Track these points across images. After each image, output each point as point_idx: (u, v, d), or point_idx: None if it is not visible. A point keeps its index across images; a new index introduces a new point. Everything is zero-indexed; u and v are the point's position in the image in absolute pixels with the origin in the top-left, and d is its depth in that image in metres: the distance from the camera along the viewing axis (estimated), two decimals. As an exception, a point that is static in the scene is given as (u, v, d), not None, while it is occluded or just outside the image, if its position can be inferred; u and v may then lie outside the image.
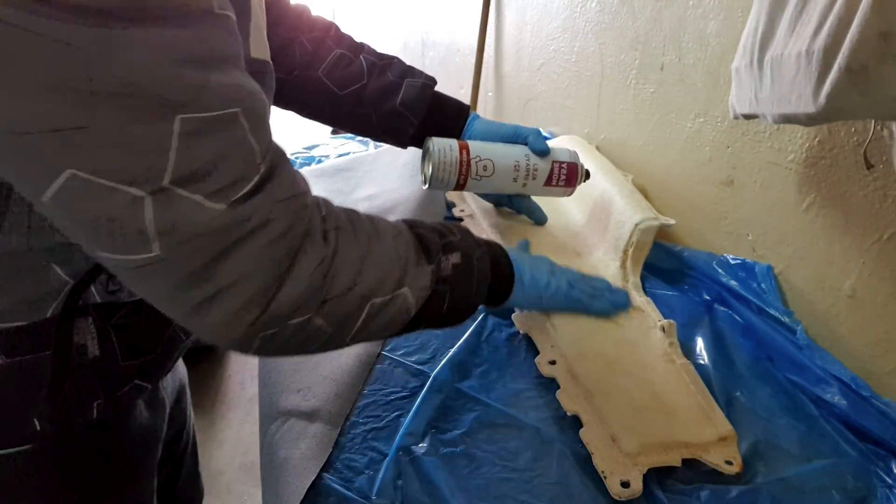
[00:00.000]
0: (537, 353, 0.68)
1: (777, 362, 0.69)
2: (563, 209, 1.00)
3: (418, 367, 0.65)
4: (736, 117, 0.67)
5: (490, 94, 1.79)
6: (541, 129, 1.33)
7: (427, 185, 0.72)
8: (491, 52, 1.73)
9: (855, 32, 0.42)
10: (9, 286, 0.41)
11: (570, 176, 0.70)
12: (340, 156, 1.19)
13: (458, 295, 0.50)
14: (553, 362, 0.65)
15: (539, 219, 0.88)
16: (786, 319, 0.71)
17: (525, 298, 0.59)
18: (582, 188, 0.99)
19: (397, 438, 0.56)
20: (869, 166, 0.60)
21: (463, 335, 0.70)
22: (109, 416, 0.51)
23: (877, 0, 0.41)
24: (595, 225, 0.91)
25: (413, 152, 1.09)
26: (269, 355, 0.42)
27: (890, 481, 0.55)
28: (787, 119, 0.56)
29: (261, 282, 0.36)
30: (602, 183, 0.93)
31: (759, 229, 0.80)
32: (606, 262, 0.84)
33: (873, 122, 0.59)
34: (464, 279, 0.50)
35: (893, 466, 0.56)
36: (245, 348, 0.39)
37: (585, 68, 1.21)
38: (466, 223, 0.93)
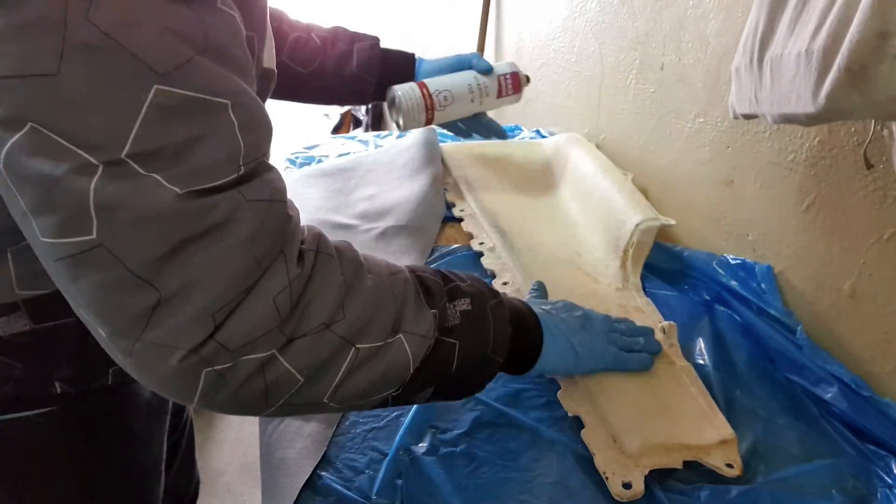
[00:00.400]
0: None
1: (777, 362, 0.69)
2: (562, 208, 1.00)
3: (418, 367, 0.65)
4: (736, 117, 0.67)
5: (490, 94, 1.79)
6: (540, 129, 1.33)
7: (402, 128, 0.77)
8: (491, 52, 1.73)
9: (854, 32, 0.42)
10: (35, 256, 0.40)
11: (515, 84, 0.76)
12: (340, 156, 1.19)
13: (470, 349, 0.43)
14: None
15: (499, 131, 0.95)
16: (786, 319, 0.71)
17: (558, 359, 0.52)
18: (581, 187, 0.99)
19: (397, 438, 0.56)
20: (869, 166, 0.60)
21: (463, 335, 0.70)
22: (122, 382, 0.52)
23: (876, 0, 0.41)
24: (595, 225, 0.91)
25: (413, 152, 1.09)
26: (221, 408, 0.33)
27: (890, 481, 0.55)
28: (787, 119, 0.56)
29: (213, 294, 0.29)
30: (602, 182, 0.93)
31: (759, 229, 0.80)
32: (606, 262, 0.85)
33: (873, 122, 0.59)
34: (476, 330, 0.44)
35: (893, 466, 0.56)
36: (186, 389, 0.31)
37: (585, 68, 1.21)
38: (466, 223, 0.93)
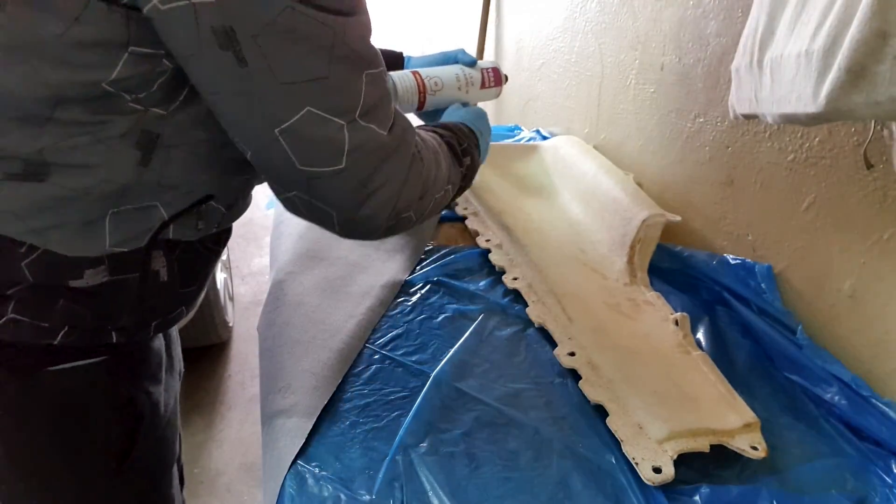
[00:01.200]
0: (539, 352, 0.69)
1: (777, 362, 0.69)
2: (564, 207, 1.00)
3: (418, 367, 0.65)
4: (736, 117, 0.67)
5: (490, 94, 1.79)
6: (540, 129, 1.33)
7: None
8: (491, 52, 1.73)
9: (854, 33, 0.42)
10: (130, 220, 0.49)
11: (496, 78, 0.84)
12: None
13: (469, 183, 0.66)
14: (572, 353, 0.66)
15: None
16: (786, 319, 0.71)
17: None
18: (583, 186, 0.99)
19: (397, 438, 0.56)
20: (869, 166, 0.60)
21: (463, 335, 0.70)
22: (154, 336, 0.60)
23: (876, 0, 0.41)
24: (599, 222, 0.91)
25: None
26: (390, 234, 0.53)
27: (890, 481, 0.55)
28: (787, 119, 0.56)
29: (397, 184, 0.48)
30: (605, 181, 0.93)
31: (759, 229, 0.80)
32: (612, 259, 0.85)
33: (873, 122, 0.59)
34: (471, 173, 0.65)
35: (893, 466, 0.56)
36: (379, 230, 0.50)
37: (585, 68, 1.21)
38: (471, 221, 0.93)
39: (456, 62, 0.83)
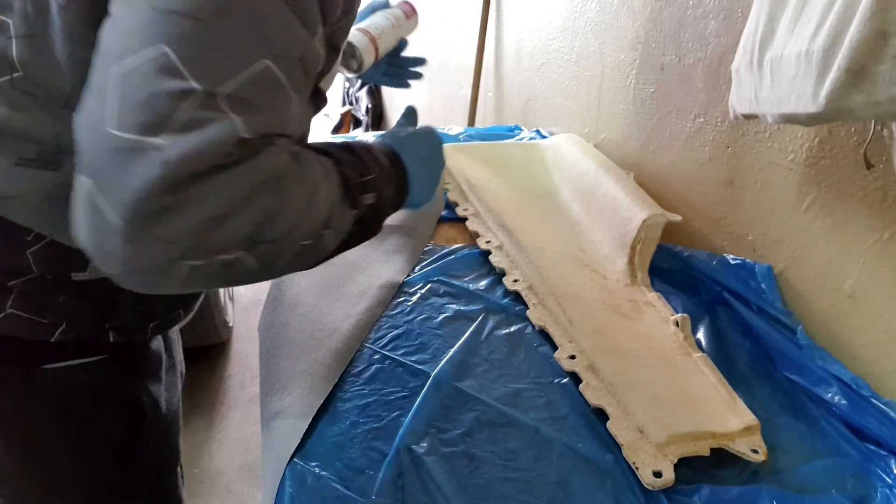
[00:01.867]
0: (539, 352, 0.68)
1: (777, 362, 0.69)
2: (564, 207, 1.00)
3: (418, 367, 0.65)
4: (736, 117, 0.67)
5: (490, 94, 1.79)
6: (540, 129, 1.33)
7: (361, 69, 0.82)
8: (491, 52, 1.73)
9: (854, 33, 0.42)
10: None
11: (411, 8, 0.89)
12: (340, 156, 1.20)
13: (368, 231, 0.52)
14: (573, 357, 0.66)
15: (414, 61, 0.93)
16: (786, 319, 0.71)
17: (413, 205, 0.61)
18: (583, 186, 0.99)
19: (397, 438, 0.56)
20: (869, 166, 0.60)
21: (463, 335, 0.70)
22: (152, 337, 0.59)
23: (876, 0, 0.41)
24: (599, 222, 0.91)
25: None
26: (195, 286, 0.39)
27: (890, 481, 0.55)
28: (787, 119, 0.56)
29: (222, 208, 0.35)
30: (605, 181, 0.93)
31: (759, 229, 0.80)
32: (613, 259, 0.85)
33: (873, 122, 0.59)
34: (375, 218, 0.52)
35: (893, 466, 0.56)
36: (173, 271, 0.36)
37: (585, 68, 1.21)
38: (471, 222, 0.93)
39: (373, 11, 0.86)
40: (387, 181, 0.53)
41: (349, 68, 0.82)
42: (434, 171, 0.63)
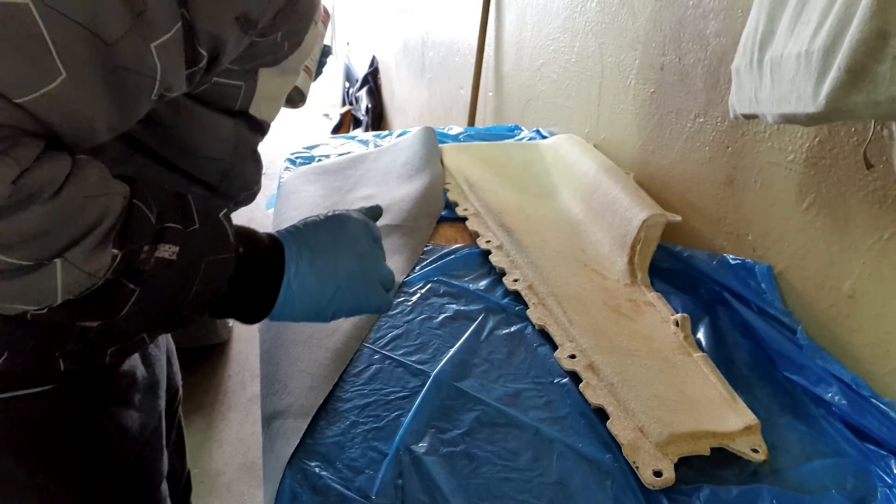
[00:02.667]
0: (539, 352, 0.68)
1: (777, 362, 0.69)
2: (564, 206, 1.00)
3: (418, 367, 0.65)
4: (736, 117, 0.67)
5: (490, 94, 1.79)
6: (540, 129, 1.33)
7: (303, 100, 0.71)
8: (491, 52, 1.73)
9: (854, 33, 0.42)
10: None
11: (326, 13, 0.69)
12: (341, 155, 1.19)
13: (153, 302, 0.40)
14: (573, 356, 0.66)
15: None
16: (786, 319, 0.71)
17: (297, 314, 0.48)
18: (583, 186, 0.99)
19: (397, 438, 0.56)
20: (869, 166, 0.60)
21: (463, 335, 0.70)
22: (118, 361, 0.55)
23: (876, 0, 0.41)
24: (599, 222, 0.91)
25: (413, 152, 1.09)
26: None
27: (890, 481, 0.55)
28: (787, 119, 0.56)
29: None
30: (605, 181, 0.93)
31: (759, 229, 0.80)
32: (613, 259, 0.85)
33: (873, 122, 0.59)
34: (170, 283, 0.39)
35: (893, 466, 0.56)
36: None
37: (585, 68, 1.21)
38: (471, 222, 0.93)
39: None
40: (216, 247, 0.41)
41: (294, 105, 0.73)
42: (353, 273, 0.48)
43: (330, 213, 0.51)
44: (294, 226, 0.49)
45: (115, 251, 0.36)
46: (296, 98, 0.70)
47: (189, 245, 0.40)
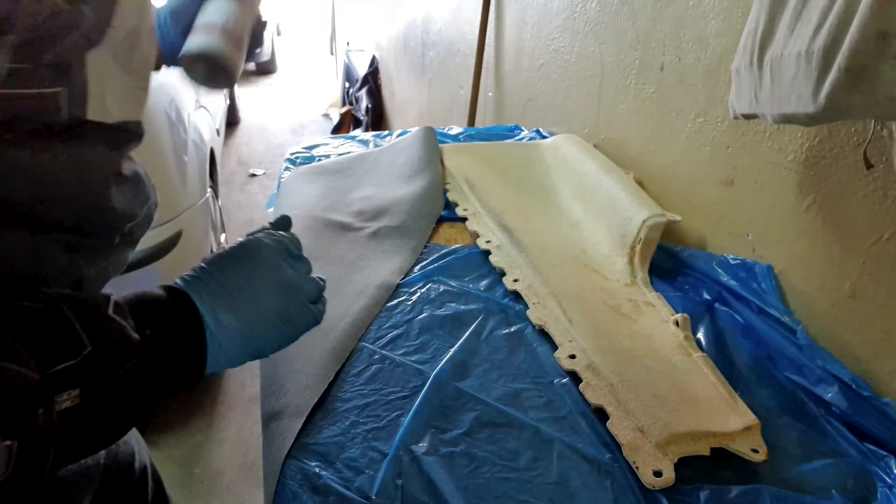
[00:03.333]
0: (539, 352, 0.68)
1: (777, 362, 0.69)
2: (564, 207, 1.00)
3: (418, 367, 0.65)
4: (736, 117, 0.67)
5: (490, 94, 1.79)
6: (540, 129, 1.33)
7: (233, 81, 0.60)
8: (491, 52, 1.73)
9: (854, 32, 0.42)
10: None
11: None
12: (341, 155, 1.19)
13: (76, 447, 0.34)
14: (573, 356, 0.66)
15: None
16: (786, 319, 0.71)
17: (233, 362, 0.43)
18: (583, 186, 0.99)
19: (397, 438, 0.56)
20: (869, 166, 0.60)
21: (463, 335, 0.70)
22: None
23: (876, 0, 0.41)
24: (600, 222, 0.91)
25: (413, 152, 1.09)
26: None
27: (890, 481, 0.55)
28: (787, 119, 0.56)
29: None
30: (605, 181, 0.93)
31: (759, 229, 0.80)
32: (613, 259, 0.85)
33: (873, 122, 0.59)
34: (87, 425, 0.34)
35: (893, 466, 0.56)
36: None
37: (585, 68, 1.21)
38: (471, 222, 0.93)
39: None
40: (120, 356, 0.34)
41: (216, 84, 0.58)
42: (280, 309, 0.43)
43: (237, 245, 0.45)
44: (200, 269, 0.42)
45: (5, 443, 0.29)
46: (218, 79, 0.56)
47: (89, 375, 0.33)
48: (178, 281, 0.41)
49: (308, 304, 0.47)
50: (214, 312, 0.40)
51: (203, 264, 0.43)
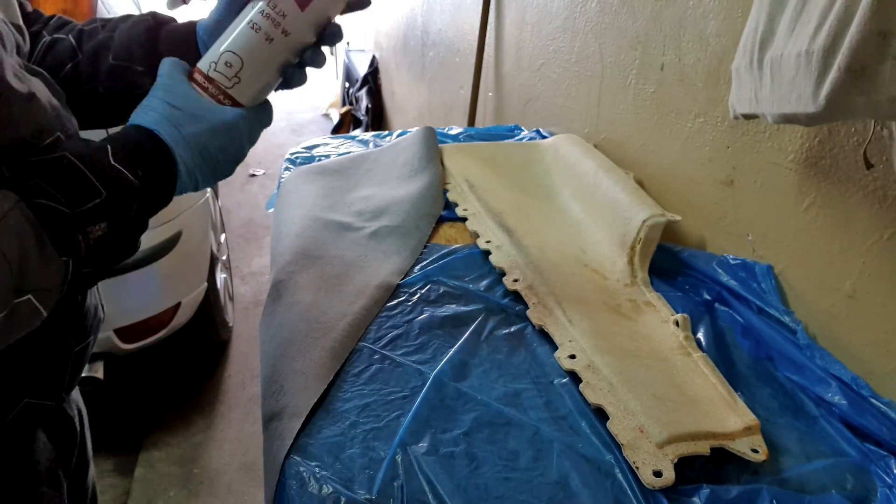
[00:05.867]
0: (539, 352, 0.68)
1: (777, 362, 0.69)
2: (564, 206, 1.00)
3: (418, 367, 0.65)
4: (736, 117, 0.67)
5: (490, 94, 1.79)
6: (540, 129, 1.33)
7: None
8: (491, 52, 1.73)
9: (854, 32, 0.42)
10: None
11: None
12: (341, 155, 1.19)
13: (107, 266, 0.43)
14: (573, 356, 0.66)
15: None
16: (786, 319, 0.71)
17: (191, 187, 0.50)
18: (583, 186, 0.99)
19: (397, 438, 0.56)
20: (869, 166, 0.60)
21: (463, 335, 0.70)
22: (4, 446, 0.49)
23: (876, 0, 0.41)
24: (600, 222, 0.91)
25: (413, 152, 1.09)
26: None
27: (890, 481, 0.55)
28: (787, 119, 0.56)
29: None
30: (605, 181, 0.93)
31: (759, 229, 0.80)
32: (613, 259, 0.85)
33: (873, 122, 0.59)
34: (112, 250, 0.43)
35: (893, 466, 0.56)
36: None
37: (585, 68, 1.21)
38: (471, 222, 0.93)
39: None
40: (128, 196, 0.42)
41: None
42: (221, 137, 0.48)
43: (220, 117, 0.49)
44: (177, 118, 0.47)
45: (63, 258, 0.38)
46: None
47: (110, 216, 0.41)
48: (158, 130, 0.46)
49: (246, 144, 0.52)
50: (185, 164, 0.47)
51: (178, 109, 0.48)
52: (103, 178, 0.41)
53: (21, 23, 0.54)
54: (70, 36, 0.60)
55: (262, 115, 0.53)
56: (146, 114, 0.46)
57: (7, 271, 0.34)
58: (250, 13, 0.50)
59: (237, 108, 0.50)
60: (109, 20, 0.61)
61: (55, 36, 0.60)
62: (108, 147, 0.43)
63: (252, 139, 0.53)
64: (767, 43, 0.57)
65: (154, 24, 0.59)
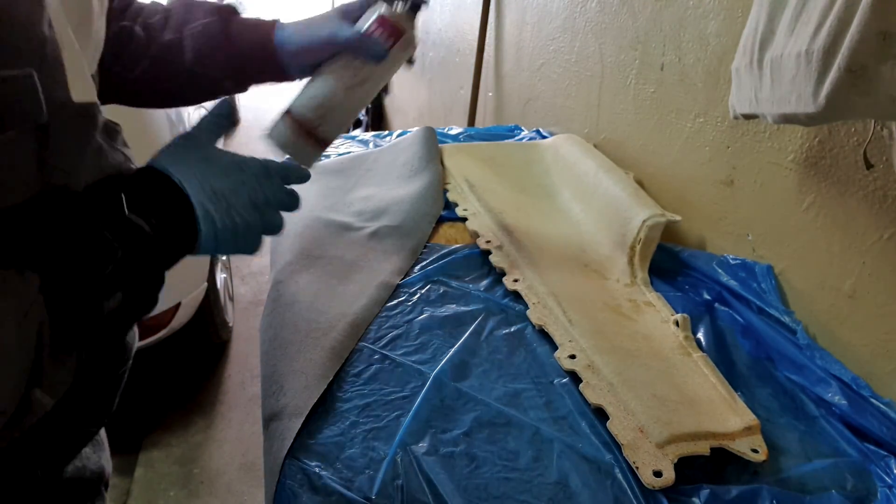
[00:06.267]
0: (539, 352, 0.68)
1: (777, 362, 0.69)
2: (564, 206, 1.00)
3: (418, 367, 0.65)
4: (736, 117, 0.68)
5: (490, 94, 1.79)
6: (540, 129, 1.33)
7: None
8: (491, 52, 1.73)
9: (854, 32, 0.42)
10: None
11: (389, 30, 0.54)
12: (341, 155, 1.19)
13: (123, 330, 0.42)
14: (573, 356, 0.66)
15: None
16: (786, 319, 0.71)
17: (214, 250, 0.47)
18: (583, 186, 0.99)
19: (397, 438, 0.56)
20: (869, 166, 0.60)
21: (463, 335, 0.70)
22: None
23: (876, 0, 0.41)
24: (600, 222, 0.91)
25: (413, 152, 1.09)
26: None
27: (890, 481, 0.55)
28: (787, 119, 0.56)
29: None
30: (605, 181, 0.93)
31: (759, 229, 0.80)
32: (613, 259, 0.85)
33: (873, 122, 0.59)
34: (127, 317, 0.41)
35: (893, 466, 0.56)
36: None
37: (585, 68, 1.21)
38: (471, 222, 0.93)
39: (335, 38, 0.55)
40: (145, 248, 0.39)
41: (294, 157, 0.57)
42: (241, 198, 0.45)
43: (230, 157, 0.47)
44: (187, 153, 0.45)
45: (72, 358, 0.37)
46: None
47: (126, 283, 0.38)
48: (173, 174, 0.42)
49: (276, 219, 0.49)
50: (206, 211, 0.43)
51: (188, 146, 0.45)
52: (118, 231, 0.38)
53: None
54: (137, 27, 0.57)
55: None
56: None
57: (18, 369, 0.32)
58: (338, 66, 0.54)
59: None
60: (170, 8, 0.60)
61: (125, 25, 0.57)
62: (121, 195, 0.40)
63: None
64: (767, 43, 0.57)
65: (222, 24, 0.58)
